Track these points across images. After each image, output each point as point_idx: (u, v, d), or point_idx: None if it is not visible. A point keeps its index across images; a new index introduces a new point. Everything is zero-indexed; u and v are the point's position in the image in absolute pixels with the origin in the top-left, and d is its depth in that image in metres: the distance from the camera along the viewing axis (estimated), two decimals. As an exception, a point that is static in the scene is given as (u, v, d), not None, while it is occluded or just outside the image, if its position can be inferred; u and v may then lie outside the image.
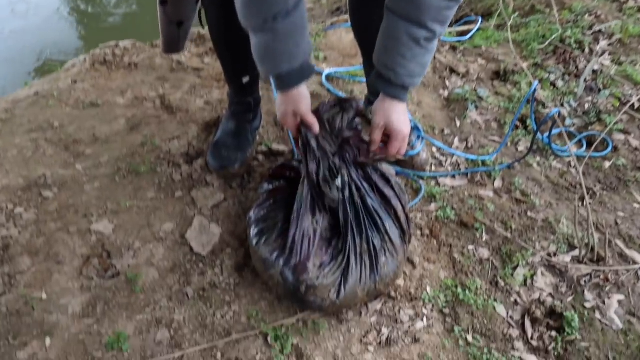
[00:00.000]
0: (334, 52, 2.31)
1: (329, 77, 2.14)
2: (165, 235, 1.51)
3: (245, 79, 1.65)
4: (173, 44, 1.58)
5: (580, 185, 1.83)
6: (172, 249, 1.48)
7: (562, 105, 2.14)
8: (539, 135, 1.98)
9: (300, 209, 1.33)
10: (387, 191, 1.40)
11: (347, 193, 1.34)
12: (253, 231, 1.39)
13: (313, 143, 1.33)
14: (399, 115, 1.29)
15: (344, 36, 2.42)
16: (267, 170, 1.69)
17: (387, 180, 1.42)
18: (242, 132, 1.73)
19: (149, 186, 1.64)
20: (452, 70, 2.33)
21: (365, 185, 1.36)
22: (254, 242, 1.37)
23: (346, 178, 1.34)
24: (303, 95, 1.27)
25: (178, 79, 2.06)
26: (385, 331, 1.36)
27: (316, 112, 1.35)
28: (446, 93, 2.18)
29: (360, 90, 2.09)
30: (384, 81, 1.28)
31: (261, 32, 1.16)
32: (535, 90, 1.81)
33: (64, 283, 1.36)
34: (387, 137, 1.33)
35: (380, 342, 1.34)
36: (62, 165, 1.69)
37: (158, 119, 1.86)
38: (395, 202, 1.40)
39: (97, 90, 2.02)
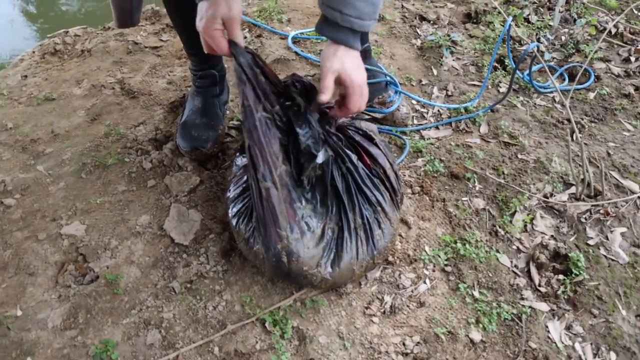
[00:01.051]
0: (297, 13, 2.17)
1: (295, 40, 2.02)
2: (142, 229, 1.41)
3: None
4: (127, 17, 1.44)
5: (568, 120, 1.77)
6: (152, 243, 1.38)
7: (538, 40, 2.06)
8: (519, 73, 1.90)
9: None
10: (373, 150, 1.31)
11: (333, 166, 1.24)
12: (232, 211, 1.29)
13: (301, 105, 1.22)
14: (350, 63, 1.14)
15: (305, -6, 2.29)
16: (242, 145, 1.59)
17: (371, 139, 1.33)
18: (210, 108, 1.62)
19: (118, 179, 1.52)
20: (422, 18, 2.22)
21: (351, 153, 1.27)
22: (234, 222, 1.28)
23: (329, 151, 1.24)
24: None
25: (136, 60, 1.92)
26: (388, 299, 1.30)
27: (299, 81, 1.24)
28: (419, 42, 2.07)
29: (329, 50, 1.98)
30: (329, 25, 1.12)
31: None
32: (510, 27, 1.71)
33: (39, 296, 1.26)
34: (342, 97, 1.20)
35: (384, 312, 1.28)
36: (21, 168, 1.56)
37: (120, 106, 1.73)
38: (382, 159, 1.31)
39: (50, 83, 1.88)
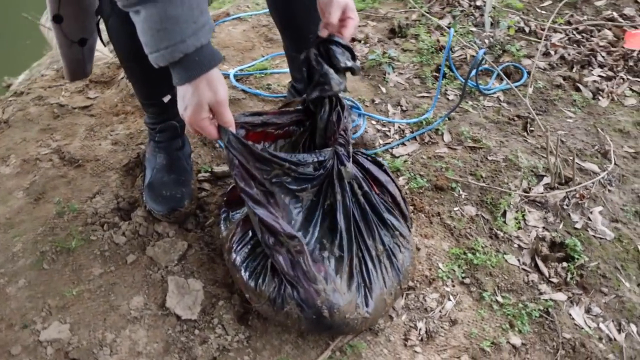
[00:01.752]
0: (230, 50, 2.08)
1: (237, 78, 1.93)
2: (138, 313, 1.23)
3: (167, 98, 1.39)
4: (78, 69, 1.28)
5: (518, 116, 1.87)
6: (155, 326, 1.21)
7: (465, 47, 2.17)
8: (461, 79, 1.99)
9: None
10: (383, 177, 1.28)
11: (348, 193, 1.19)
12: (245, 274, 1.18)
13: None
14: None
15: (232, 30, 2.20)
16: (221, 198, 1.47)
17: (380, 165, 1.29)
18: (176, 162, 1.47)
19: (90, 261, 1.32)
20: (352, 39, 2.23)
21: (364, 178, 1.22)
22: (252, 284, 1.17)
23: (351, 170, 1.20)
24: (220, 77, 1.01)
25: (67, 125, 1.70)
26: (421, 325, 1.26)
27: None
28: (358, 63, 2.08)
29: (277, 83, 1.91)
30: None
31: (152, 1, 0.89)
32: (452, 36, 1.78)
33: (40, 421, 1.04)
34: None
35: (422, 339, 1.24)
36: (-41, 273, 1.30)
37: (65, 179, 1.52)
38: (392, 187, 1.29)
39: (-38, 168, 1.60)
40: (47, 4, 1.15)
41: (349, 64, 1.20)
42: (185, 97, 1.00)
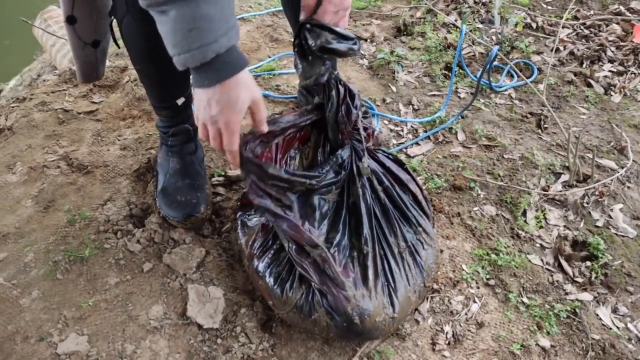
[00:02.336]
0: (236, 50, 2.04)
1: (245, 79, 1.89)
2: (158, 323, 1.19)
3: (180, 100, 1.36)
4: (91, 71, 1.25)
5: (531, 113, 1.85)
6: (176, 336, 1.18)
7: (473, 43, 2.15)
8: (472, 77, 1.96)
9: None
10: (403, 175, 1.25)
11: (368, 190, 1.16)
12: (270, 281, 1.15)
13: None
14: None
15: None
16: (236, 203, 1.44)
17: (402, 164, 1.27)
18: (189, 167, 1.43)
19: (105, 270, 1.28)
20: (358, 37, 2.20)
21: (384, 174, 1.19)
22: (278, 291, 1.13)
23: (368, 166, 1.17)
24: (251, 76, 0.98)
25: (73, 130, 1.66)
26: (448, 329, 1.23)
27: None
28: (366, 62, 2.06)
29: (286, 83, 1.88)
30: None
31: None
32: (464, 34, 1.76)
33: None
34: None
35: (449, 343, 1.21)
36: (-31, 286, 1.25)
37: (74, 186, 1.47)
38: (413, 186, 1.26)
39: (-33, 176, 1.55)
40: (60, 4, 1.11)
41: (324, 44, 1.11)
42: (214, 99, 0.95)
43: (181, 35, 0.87)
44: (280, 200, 1.11)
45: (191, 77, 0.96)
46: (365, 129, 1.23)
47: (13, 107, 1.75)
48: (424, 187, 1.54)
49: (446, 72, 2.02)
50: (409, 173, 1.27)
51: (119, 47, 1.29)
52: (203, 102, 0.96)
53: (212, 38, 0.88)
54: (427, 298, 1.28)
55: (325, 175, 1.14)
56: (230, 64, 0.92)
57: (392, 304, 1.13)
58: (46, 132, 1.65)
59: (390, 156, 1.28)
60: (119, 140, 1.64)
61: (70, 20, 1.12)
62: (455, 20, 2.26)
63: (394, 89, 1.93)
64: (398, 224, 1.19)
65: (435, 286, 1.30)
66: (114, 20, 1.23)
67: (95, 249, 1.32)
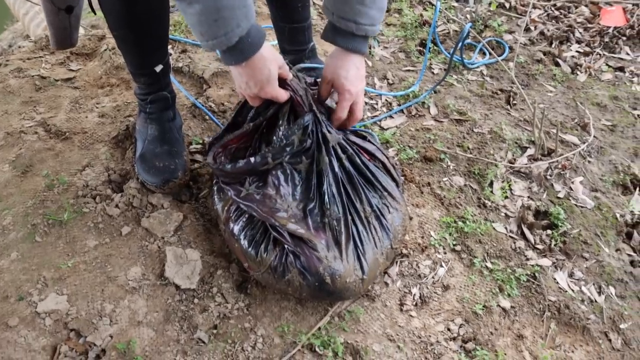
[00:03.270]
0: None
1: (223, 50, 1.90)
2: (137, 283, 1.23)
3: (159, 67, 1.37)
4: (65, 37, 1.26)
5: (501, 90, 1.92)
6: (154, 296, 1.22)
7: (448, 21, 2.19)
8: (446, 53, 2.01)
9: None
10: (369, 146, 1.30)
11: (334, 157, 1.21)
12: (245, 243, 1.19)
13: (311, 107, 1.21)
14: (353, 70, 1.19)
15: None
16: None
17: (364, 137, 1.31)
18: (167, 134, 1.46)
19: (84, 233, 1.31)
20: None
21: (347, 142, 1.24)
22: (253, 252, 1.18)
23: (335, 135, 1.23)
24: (274, 51, 1.11)
25: (50, 97, 1.65)
26: (415, 291, 1.30)
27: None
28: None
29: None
30: (344, 34, 1.16)
31: None
32: (439, 11, 1.80)
33: (43, 391, 1.04)
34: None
35: (416, 304, 1.28)
36: (-53, 248, 1.27)
37: (52, 151, 1.48)
38: (380, 154, 1.31)
39: (-59, 141, 1.54)
40: None
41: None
42: (245, 75, 1.09)
43: (207, 25, 0.98)
44: (242, 185, 1.21)
45: (221, 58, 1.09)
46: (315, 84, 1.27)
47: (-12, 73, 1.74)
48: (395, 158, 1.60)
49: (421, 49, 2.07)
50: (373, 143, 1.32)
51: (95, 14, 1.29)
52: (236, 76, 1.14)
53: (235, 24, 0.98)
54: (397, 262, 1.34)
55: (289, 145, 1.18)
56: (252, 43, 1.03)
57: (362, 267, 1.19)
58: (23, 98, 1.65)
59: (352, 131, 1.32)
60: (97, 107, 1.64)
61: None
62: (432, -2, 2.30)
63: (369, 63, 1.97)
64: (363, 189, 1.24)
65: (404, 251, 1.36)
66: None
67: (74, 213, 1.35)
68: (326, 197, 1.20)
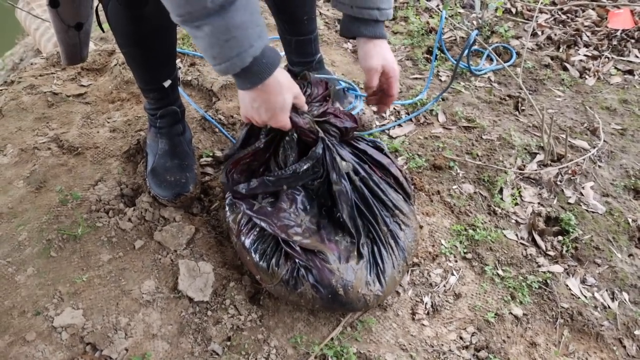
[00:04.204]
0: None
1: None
2: (151, 297, 1.25)
3: (167, 82, 1.39)
4: (75, 53, 1.28)
5: (509, 96, 1.92)
6: (168, 309, 1.23)
7: (455, 28, 2.20)
8: (453, 60, 2.02)
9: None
10: (384, 159, 1.31)
11: (346, 182, 1.22)
12: (257, 257, 1.20)
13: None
14: (390, 53, 1.23)
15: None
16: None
17: (381, 149, 1.32)
18: (178, 148, 1.48)
19: (97, 248, 1.33)
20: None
21: (360, 162, 1.26)
22: (264, 265, 1.19)
23: (349, 162, 1.23)
24: (290, 78, 1.09)
25: (63, 113, 1.68)
26: (427, 300, 1.30)
27: None
28: (350, 46, 2.10)
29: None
30: (367, 23, 1.18)
31: (216, 13, 0.90)
32: (445, 18, 1.81)
33: (62, 405, 1.06)
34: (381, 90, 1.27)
35: (428, 313, 1.28)
36: (-36, 264, 1.29)
37: (65, 167, 1.51)
38: (393, 168, 1.32)
39: (-44, 158, 1.57)
40: None
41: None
42: (259, 100, 1.04)
43: (219, 47, 0.93)
44: (255, 198, 1.24)
45: (234, 81, 1.04)
46: (349, 115, 1.27)
47: (1, 90, 1.77)
48: (405, 167, 1.61)
49: (428, 56, 2.08)
50: (388, 157, 1.33)
51: (103, 31, 1.32)
52: (247, 102, 1.07)
53: (248, 44, 0.93)
54: (408, 271, 1.35)
55: (305, 172, 1.21)
56: (267, 64, 0.98)
57: (380, 282, 1.19)
58: (36, 114, 1.67)
59: (371, 143, 1.33)
60: (108, 122, 1.67)
61: (53, 3, 1.14)
62: (437, 6, 2.31)
63: (377, 72, 1.97)
64: (377, 209, 1.25)
65: (415, 260, 1.37)
66: (97, 3, 1.26)
67: (88, 228, 1.37)
68: (341, 219, 1.22)
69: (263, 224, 1.18)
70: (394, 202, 1.29)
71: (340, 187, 1.21)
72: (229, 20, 0.90)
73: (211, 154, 1.57)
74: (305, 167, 1.20)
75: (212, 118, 1.67)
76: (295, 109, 1.14)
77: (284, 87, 1.05)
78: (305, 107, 1.17)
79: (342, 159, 1.22)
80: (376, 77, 1.22)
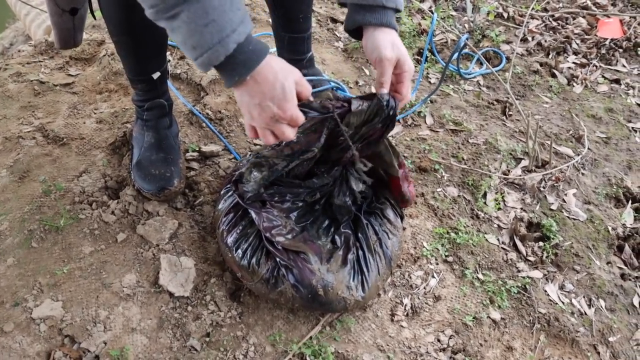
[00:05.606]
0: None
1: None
2: (131, 290, 1.24)
3: (156, 75, 1.39)
4: (69, 37, 1.27)
5: (497, 101, 1.93)
6: (148, 303, 1.23)
7: (446, 30, 2.21)
8: (443, 62, 2.03)
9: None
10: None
11: (348, 194, 1.24)
12: (238, 255, 1.21)
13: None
14: (402, 46, 1.11)
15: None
16: (213, 177, 1.48)
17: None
18: (164, 142, 1.47)
19: (79, 240, 1.32)
20: (334, 20, 2.25)
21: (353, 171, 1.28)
22: (245, 263, 1.19)
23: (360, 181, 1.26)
24: (285, 62, 0.96)
25: (49, 102, 1.67)
26: (407, 301, 1.31)
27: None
28: (341, 44, 2.10)
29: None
30: (373, 10, 1.08)
31: None
32: (436, 21, 1.81)
33: (37, 397, 1.05)
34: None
35: (407, 314, 1.29)
36: (-57, 252, 1.28)
37: (50, 157, 1.50)
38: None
39: (-61, 144, 1.56)
40: None
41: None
42: (255, 93, 0.92)
43: (198, 34, 0.85)
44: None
45: (221, 78, 0.94)
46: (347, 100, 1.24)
47: (-12, 77, 1.75)
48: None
49: (418, 58, 2.08)
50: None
51: (95, 19, 1.31)
52: (245, 102, 0.95)
53: (230, 28, 0.85)
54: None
55: (321, 186, 1.25)
56: (253, 51, 0.89)
57: (362, 289, 1.20)
58: (21, 103, 1.66)
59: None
60: (95, 113, 1.66)
61: None
62: (430, 7, 2.32)
63: (367, 71, 1.98)
64: (368, 219, 1.27)
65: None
66: None
67: (70, 219, 1.36)
68: (330, 223, 1.26)
69: (253, 215, 1.19)
70: (383, 212, 1.30)
71: (342, 202, 1.24)
72: (205, 3, 0.83)
73: (197, 149, 1.57)
74: (323, 183, 1.23)
75: (200, 112, 1.67)
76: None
77: (279, 72, 0.92)
78: (310, 96, 1.02)
79: (356, 184, 1.24)
80: (390, 69, 1.07)
